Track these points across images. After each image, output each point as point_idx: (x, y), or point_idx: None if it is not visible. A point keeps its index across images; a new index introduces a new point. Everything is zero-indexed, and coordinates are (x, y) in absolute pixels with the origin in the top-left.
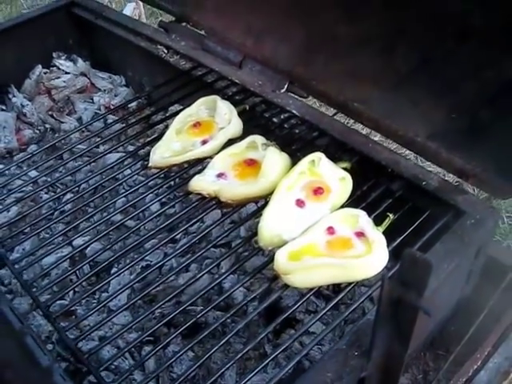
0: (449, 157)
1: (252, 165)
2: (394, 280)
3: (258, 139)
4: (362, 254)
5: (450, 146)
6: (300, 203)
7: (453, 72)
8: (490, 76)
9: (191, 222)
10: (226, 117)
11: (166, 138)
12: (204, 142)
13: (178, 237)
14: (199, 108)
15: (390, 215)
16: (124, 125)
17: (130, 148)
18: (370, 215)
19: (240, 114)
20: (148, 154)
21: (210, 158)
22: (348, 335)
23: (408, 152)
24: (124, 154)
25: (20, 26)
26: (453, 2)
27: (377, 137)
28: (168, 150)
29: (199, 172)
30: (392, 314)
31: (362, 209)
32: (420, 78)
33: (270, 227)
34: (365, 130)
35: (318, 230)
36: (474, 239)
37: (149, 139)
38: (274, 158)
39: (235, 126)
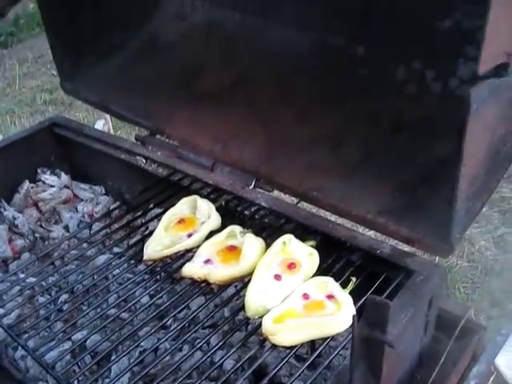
0: (396, 228)
1: (233, 250)
2: (361, 323)
3: (236, 228)
4: (334, 312)
5: (396, 219)
6: (277, 277)
7: (392, 159)
8: (423, 159)
9: (179, 309)
10: (205, 213)
11: (156, 234)
12: (189, 235)
13: (168, 323)
14: (182, 207)
15: (353, 279)
16: (108, 230)
17: (116, 250)
18: (336, 281)
19: (217, 209)
20: (133, 255)
21: (196, 248)
22: (330, 379)
23: (363, 228)
24: (111, 256)
25: (8, 147)
26: (387, 100)
27: (336, 217)
28: (159, 245)
29: (188, 260)
30: (364, 353)
31: (329, 277)
32: (366, 166)
33: (254, 300)
34: (325, 213)
35: (295, 297)
36: (424, 292)
37: (132, 241)
38: (251, 243)
39: (215, 219)
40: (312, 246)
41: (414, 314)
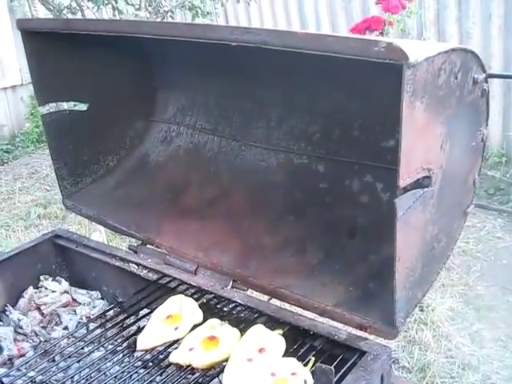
0: (351, 317)
1: (213, 339)
2: None
3: (215, 321)
4: None
5: (350, 309)
6: (249, 360)
7: (348, 259)
8: (373, 259)
9: None
10: (190, 309)
11: (147, 328)
12: (176, 329)
13: None
14: (170, 305)
15: (312, 358)
16: (103, 329)
17: (110, 346)
18: (301, 361)
19: (200, 306)
20: (126, 347)
21: (182, 339)
22: None
23: (322, 318)
24: (105, 352)
25: (15, 257)
26: (344, 209)
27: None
28: (150, 337)
29: (175, 349)
30: None
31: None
32: (325, 266)
33: (230, 380)
34: (292, 307)
35: (265, 375)
36: (374, 369)
37: (124, 337)
38: (227, 333)
39: (197, 315)
40: (280, 334)
41: None
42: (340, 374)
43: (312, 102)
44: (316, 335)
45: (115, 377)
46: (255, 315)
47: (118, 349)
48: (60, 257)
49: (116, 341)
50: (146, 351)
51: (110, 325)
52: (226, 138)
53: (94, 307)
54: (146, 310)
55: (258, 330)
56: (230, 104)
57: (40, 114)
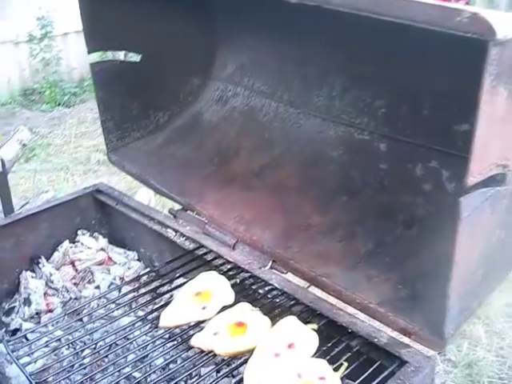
0: (394, 319)
1: (241, 326)
2: None
3: (246, 306)
4: None
5: (395, 310)
6: (277, 355)
7: (399, 253)
8: (428, 256)
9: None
10: (221, 288)
11: (173, 304)
12: (203, 308)
13: None
14: (201, 281)
15: (345, 363)
16: (136, 294)
17: (140, 313)
18: (333, 363)
19: (232, 286)
20: (155, 319)
21: (209, 319)
22: None
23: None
24: (135, 318)
25: (53, 208)
26: (404, 195)
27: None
28: (175, 314)
29: (199, 331)
30: None
31: (327, 361)
32: (373, 258)
33: (252, 376)
34: (331, 299)
35: (290, 376)
36: (414, 383)
37: (156, 306)
38: (257, 321)
39: (228, 295)
40: (313, 329)
41: None
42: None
43: (380, 74)
44: (354, 334)
45: (140, 347)
46: (291, 302)
47: (148, 317)
48: (100, 212)
49: (147, 307)
50: (169, 329)
51: (144, 290)
52: (284, 104)
53: (129, 268)
54: (181, 280)
55: (291, 323)
56: (291, 68)
57: (89, 63)
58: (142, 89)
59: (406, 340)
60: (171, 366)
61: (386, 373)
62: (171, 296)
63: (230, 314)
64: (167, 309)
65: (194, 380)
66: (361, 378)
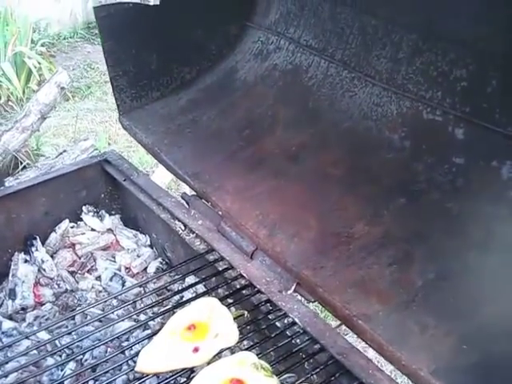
0: None
1: None
2: None
3: (248, 358)
4: None
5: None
6: None
7: (470, 292)
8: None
9: None
10: (221, 323)
11: (157, 340)
12: (195, 350)
13: None
14: (197, 309)
15: None
16: (140, 291)
17: (142, 317)
18: None
19: (240, 316)
20: (160, 328)
21: (200, 367)
22: None
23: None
24: (134, 324)
25: (54, 180)
26: (479, 204)
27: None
28: (157, 355)
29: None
30: None
31: None
32: (433, 295)
33: None
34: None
35: None
36: None
37: (162, 309)
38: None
39: (229, 335)
40: None
41: None
42: None
43: (464, 33)
44: None
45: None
46: (314, 347)
47: (150, 323)
48: (111, 185)
49: (152, 310)
50: (146, 375)
51: (151, 286)
52: (336, 64)
53: (138, 256)
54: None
55: None
56: (347, 18)
57: (92, 6)
58: (162, 38)
59: None
60: None
61: None
62: (182, 298)
63: (226, 366)
64: (148, 346)
65: None
66: None
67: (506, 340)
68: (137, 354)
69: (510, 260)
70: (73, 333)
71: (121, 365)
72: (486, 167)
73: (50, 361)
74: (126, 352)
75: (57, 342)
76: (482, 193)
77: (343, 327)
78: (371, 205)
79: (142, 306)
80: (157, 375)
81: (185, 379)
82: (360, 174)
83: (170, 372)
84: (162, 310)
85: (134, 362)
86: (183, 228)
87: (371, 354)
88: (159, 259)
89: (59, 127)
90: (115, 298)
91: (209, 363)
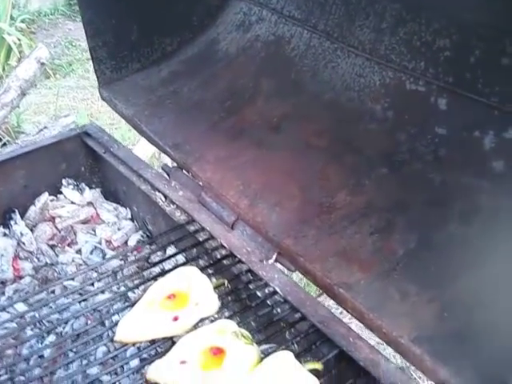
0: (434, 366)
1: (218, 354)
2: None
3: (228, 326)
4: None
5: (435, 352)
6: None
7: (451, 260)
8: (491, 270)
9: None
10: (201, 292)
11: (136, 309)
12: (175, 319)
13: None
14: (177, 278)
15: None
16: (121, 262)
17: (122, 289)
18: None
19: (220, 286)
20: (139, 298)
21: (180, 336)
22: None
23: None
24: (114, 295)
25: (33, 153)
26: (465, 175)
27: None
28: (136, 325)
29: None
30: None
31: None
32: (414, 264)
33: None
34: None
35: None
36: None
37: (142, 280)
38: (238, 354)
39: (209, 303)
40: (316, 369)
41: None
42: None
43: (447, 3)
44: (374, 380)
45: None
46: (295, 316)
47: (129, 295)
48: (91, 158)
49: (132, 282)
50: (126, 345)
51: (131, 259)
52: (319, 35)
53: (118, 229)
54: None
55: (284, 363)
56: None
57: None
58: (143, 8)
59: None
60: None
61: None
62: (162, 270)
63: (206, 334)
64: (127, 315)
65: None
66: None
67: (486, 309)
68: (117, 324)
69: (492, 231)
70: (52, 305)
71: (101, 336)
72: (468, 138)
73: (29, 333)
74: (106, 323)
75: (36, 314)
76: (464, 163)
77: (323, 297)
78: (353, 175)
79: (122, 277)
80: (136, 345)
81: (164, 348)
82: (342, 145)
83: (150, 341)
84: (142, 281)
85: (114, 333)
86: (164, 199)
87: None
88: (140, 232)
89: (40, 105)
90: (95, 270)
91: (188, 332)
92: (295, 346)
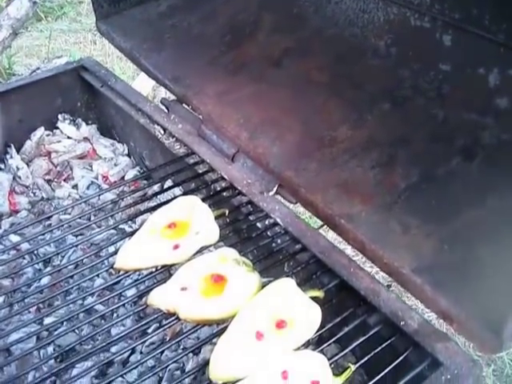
0: (434, 295)
1: (219, 281)
2: None
3: (229, 253)
4: None
5: (435, 283)
6: (259, 336)
7: (453, 195)
8: (495, 205)
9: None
10: (202, 221)
11: (136, 238)
12: (176, 247)
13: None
14: (178, 207)
15: (352, 366)
16: (117, 197)
17: (121, 225)
18: (338, 353)
19: (220, 216)
20: (134, 231)
21: (180, 265)
22: None
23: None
24: (114, 232)
25: (28, 87)
26: (468, 111)
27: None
28: (137, 252)
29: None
30: None
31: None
32: (416, 198)
33: (221, 362)
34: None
35: (271, 375)
36: None
37: (138, 212)
38: (239, 281)
39: (210, 232)
40: (317, 296)
41: None
42: None
43: None
44: (374, 308)
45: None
46: (295, 247)
47: (126, 228)
48: (87, 93)
49: (128, 215)
50: (126, 272)
51: (128, 191)
52: None
53: (115, 165)
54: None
55: (287, 288)
56: None
57: None
58: None
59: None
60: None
61: (410, 375)
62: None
63: (207, 262)
64: (128, 243)
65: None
66: (376, 378)
67: (486, 243)
68: (113, 256)
69: (493, 167)
70: (48, 237)
71: (98, 267)
72: (472, 74)
73: (25, 264)
74: (103, 254)
75: (32, 246)
76: (467, 100)
77: (324, 229)
78: (355, 110)
79: (118, 209)
80: (132, 276)
81: (164, 276)
82: (344, 80)
83: (150, 269)
84: (139, 213)
85: (111, 264)
86: (162, 132)
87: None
88: (137, 168)
89: (31, 47)
90: (91, 204)
91: (189, 260)
92: (295, 276)
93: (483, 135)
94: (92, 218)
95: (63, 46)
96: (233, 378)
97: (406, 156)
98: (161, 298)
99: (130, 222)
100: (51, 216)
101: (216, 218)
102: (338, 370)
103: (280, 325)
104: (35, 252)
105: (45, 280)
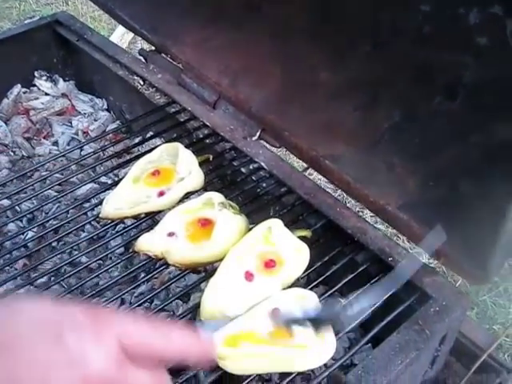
0: (420, 231)
1: (206, 225)
2: None
3: (215, 197)
4: (305, 344)
5: (421, 218)
6: (249, 276)
7: (436, 132)
8: (477, 140)
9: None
10: (186, 167)
11: (120, 187)
12: (161, 194)
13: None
14: (161, 155)
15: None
16: (101, 154)
17: (104, 179)
18: (326, 291)
19: (204, 162)
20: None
21: (167, 210)
22: None
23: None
24: (97, 187)
25: (1, 44)
26: (448, 50)
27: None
28: (121, 201)
29: (152, 227)
30: None
31: (320, 283)
32: (399, 137)
33: (212, 301)
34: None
35: (262, 313)
36: (436, 330)
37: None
38: (227, 223)
39: (195, 177)
40: (305, 236)
41: (417, 357)
42: (382, 324)
43: None
44: (361, 246)
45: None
46: (281, 190)
47: (108, 182)
48: (63, 49)
49: (110, 168)
50: (113, 221)
51: (108, 145)
52: None
53: (95, 120)
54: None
55: (274, 228)
56: None
57: None
58: None
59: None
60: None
61: (399, 309)
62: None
63: (193, 207)
64: (112, 193)
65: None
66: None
67: (471, 180)
68: (97, 207)
69: (475, 105)
70: (33, 199)
71: (83, 220)
72: (452, 14)
73: (10, 225)
74: (87, 206)
75: (16, 207)
76: (448, 40)
77: (309, 172)
78: (335, 54)
79: (99, 161)
80: (121, 224)
81: (151, 223)
82: (324, 25)
83: (135, 218)
84: (121, 164)
85: (96, 215)
86: (142, 83)
87: None
88: (117, 122)
89: (1, 10)
90: (71, 159)
91: (175, 207)
92: (282, 219)
93: (464, 74)
94: (73, 169)
95: (34, 7)
96: (224, 317)
97: (387, 97)
98: (149, 243)
99: (112, 175)
100: (31, 172)
101: (200, 163)
102: None
103: (269, 264)
104: (17, 209)
105: (29, 235)
